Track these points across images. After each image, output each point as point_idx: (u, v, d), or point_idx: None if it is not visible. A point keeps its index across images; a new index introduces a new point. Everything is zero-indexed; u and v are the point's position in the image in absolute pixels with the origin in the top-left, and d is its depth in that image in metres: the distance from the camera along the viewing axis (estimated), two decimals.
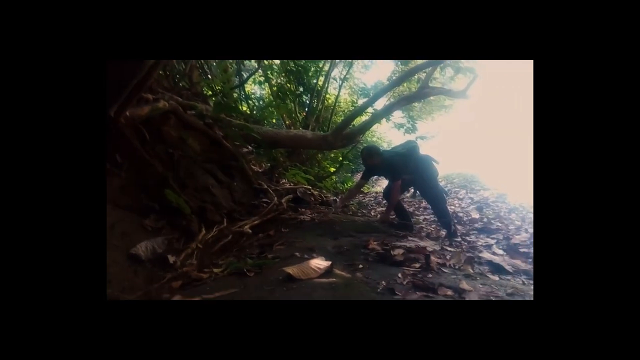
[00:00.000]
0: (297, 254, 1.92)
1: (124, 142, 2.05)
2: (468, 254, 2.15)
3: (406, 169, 2.89)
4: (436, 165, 3.08)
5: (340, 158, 6.48)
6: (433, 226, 3.55)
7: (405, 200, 6.33)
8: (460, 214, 4.43)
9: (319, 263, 1.59)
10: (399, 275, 1.59)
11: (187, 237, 1.97)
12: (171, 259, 1.69)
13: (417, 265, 1.77)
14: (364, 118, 6.28)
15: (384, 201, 3.95)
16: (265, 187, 3.07)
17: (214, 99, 4.18)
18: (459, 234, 2.97)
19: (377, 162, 2.91)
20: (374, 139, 9.67)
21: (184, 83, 3.72)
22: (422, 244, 2.38)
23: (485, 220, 3.84)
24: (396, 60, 7.11)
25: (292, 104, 6.31)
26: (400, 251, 1.96)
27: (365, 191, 6.90)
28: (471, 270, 1.82)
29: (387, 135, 10.29)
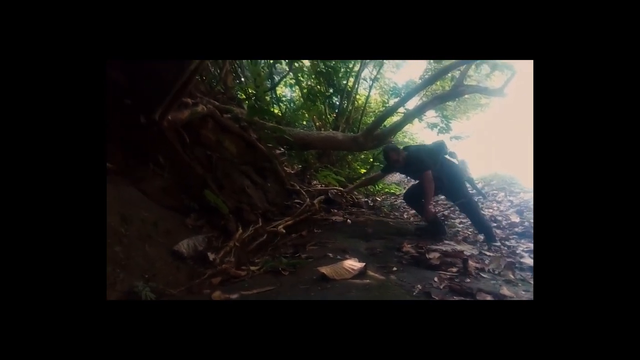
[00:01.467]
0: (329, 254, 1.94)
1: (166, 145, 2.17)
2: (508, 259, 2.05)
3: (433, 162, 2.74)
4: (467, 166, 2.99)
5: (371, 159, 6.42)
6: (470, 230, 3.42)
7: (439, 202, 6.15)
8: (499, 218, 4.24)
9: (353, 264, 1.60)
10: (435, 279, 1.56)
11: (225, 235, 2.04)
12: (211, 256, 1.77)
13: (454, 269, 1.72)
14: (395, 118, 6.19)
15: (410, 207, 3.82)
16: (298, 188, 3.11)
17: (247, 102, 4.31)
18: (497, 239, 2.81)
19: (399, 158, 2.83)
20: (406, 139, 9.47)
21: (219, 87, 3.87)
22: (458, 247, 2.31)
23: (526, 224, 3.64)
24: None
25: (323, 106, 6.35)
26: (437, 255, 1.91)
27: (397, 193, 6.79)
28: (512, 276, 1.74)
29: (420, 135, 10.03)
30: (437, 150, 2.84)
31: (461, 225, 3.66)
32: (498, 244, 2.67)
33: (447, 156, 2.95)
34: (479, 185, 7.43)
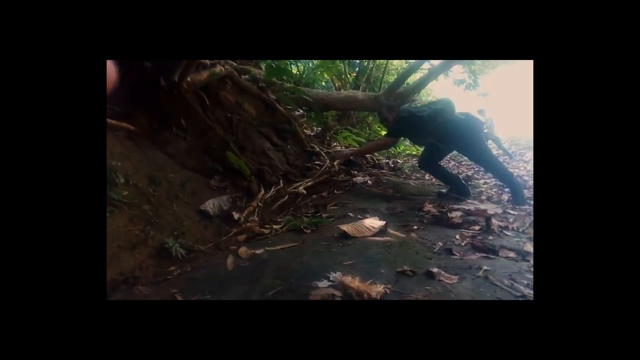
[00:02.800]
0: (350, 214, 1.96)
1: (187, 108, 2.19)
2: (533, 218, 2.01)
3: (421, 132, 2.56)
4: (490, 122, 2.81)
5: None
6: (494, 190, 3.34)
7: (463, 162, 5.99)
8: (526, 178, 4.10)
9: (373, 222, 1.62)
10: (457, 236, 1.56)
11: (248, 196, 2.10)
12: (235, 215, 1.84)
13: (477, 227, 1.71)
14: (418, 75, 5.89)
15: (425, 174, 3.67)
16: (318, 150, 3.10)
17: (264, 62, 4.20)
18: (527, 200, 2.59)
19: (389, 117, 2.67)
20: (430, 97, 9.07)
21: None
22: (482, 207, 2.28)
23: None
24: None
25: (342, 64, 6.12)
26: (459, 213, 1.90)
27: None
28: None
29: (446, 93, 9.57)
30: (432, 117, 2.56)
31: (485, 186, 3.58)
32: (526, 206, 2.57)
33: (476, 113, 2.81)
34: (506, 145, 7.15)
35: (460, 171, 4.99)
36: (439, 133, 2.52)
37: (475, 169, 5.08)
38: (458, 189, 2.61)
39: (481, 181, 3.99)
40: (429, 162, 2.75)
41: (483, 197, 2.80)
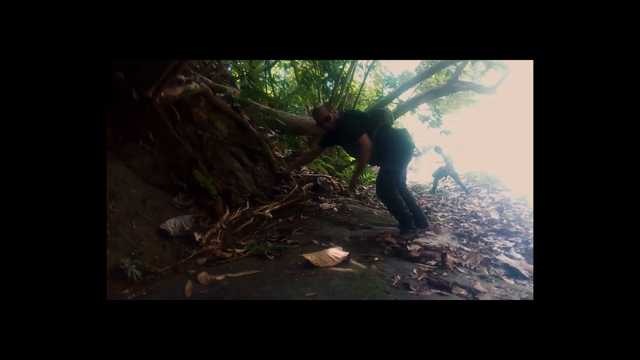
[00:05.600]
0: (315, 241, 1.99)
1: (156, 121, 2.14)
2: (485, 256, 2.15)
3: (366, 129, 2.31)
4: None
5: None
6: (451, 224, 3.53)
7: (424, 195, 6.28)
8: (480, 214, 4.38)
9: (337, 252, 1.65)
10: (414, 271, 1.63)
11: (212, 217, 2.06)
12: (197, 236, 1.79)
13: (433, 262, 1.80)
14: (389, 108, 6.20)
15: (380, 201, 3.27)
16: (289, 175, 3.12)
17: (240, 81, 4.23)
18: (416, 230, 2.45)
19: (330, 115, 2.45)
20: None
21: (212, 64, 3.78)
22: (438, 239, 2.40)
23: (505, 221, 3.78)
24: None
25: (317, 90, 6.29)
26: (417, 247, 1.99)
27: None
28: (487, 272, 1.83)
29: (411, 128, 10.11)
30: (372, 118, 2.43)
31: (442, 219, 3.77)
32: (416, 236, 2.35)
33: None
34: (463, 181, 7.61)
35: (420, 202, 5.21)
36: (379, 137, 2.33)
37: (434, 202, 5.34)
38: (405, 222, 2.39)
39: (439, 214, 4.20)
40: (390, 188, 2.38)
41: (442, 231, 2.94)
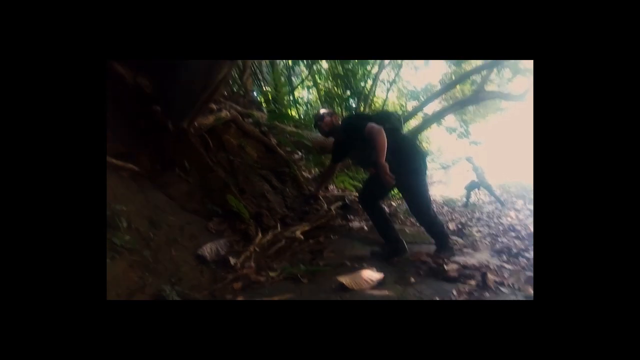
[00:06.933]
0: (347, 262, 1.96)
1: (191, 150, 2.25)
2: (528, 273, 2.02)
3: (368, 122, 2.03)
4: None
5: None
6: (488, 239, 3.37)
7: (457, 209, 6.06)
8: (518, 227, 4.15)
9: (371, 274, 1.62)
10: (454, 292, 1.56)
11: (246, 240, 2.10)
12: (232, 260, 1.82)
13: (473, 282, 1.72)
14: (413, 122, 6.15)
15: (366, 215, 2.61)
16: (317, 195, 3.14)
17: (266, 106, 4.37)
18: (454, 249, 2.27)
19: (332, 120, 2.29)
20: (424, 143, 9.38)
21: (240, 91, 3.95)
22: (477, 257, 2.29)
23: None
24: (448, 61, 6.85)
25: (340, 108, 6.37)
26: (455, 266, 1.91)
27: None
28: (532, 292, 1.72)
29: (438, 139, 9.94)
30: (378, 118, 2.17)
31: (478, 234, 3.61)
32: (454, 256, 2.18)
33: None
34: (497, 192, 7.30)
35: (454, 217, 5.04)
36: (388, 141, 1.96)
37: (468, 216, 5.14)
38: (390, 245, 2.16)
39: (474, 229, 4.02)
40: (374, 197, 2.22)
41: (479, 248, 2.82)
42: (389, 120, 2.18)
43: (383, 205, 2.25)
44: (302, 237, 2.34)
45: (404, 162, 2.06)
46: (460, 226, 3.83)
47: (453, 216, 5.25)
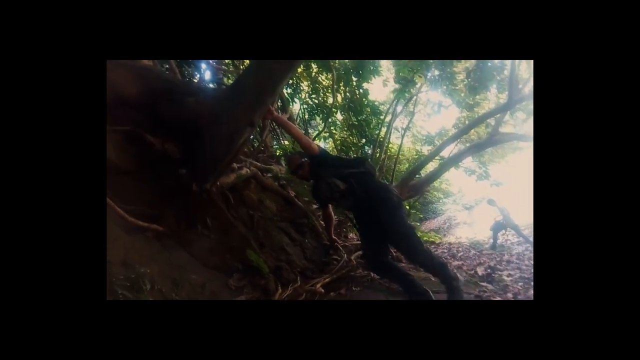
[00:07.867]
0: None
1: (213, 207, 2.35)
2: None
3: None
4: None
5: (408, 207, 6.34)
6: (520, 283, 3.17)
7: (484, 252, 5.79)
8: None
9: None
10: None
11: (265, 296, 2.09)
12: None
13: None
14: (430, 165, 6.17)
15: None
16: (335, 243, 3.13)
17: (284, 159, 4.55)
18: (462, 290, 1.88)
19: (299, 168, 2.31)
20: (443, 185, 9.29)
21: (260, 147, 4.16)
22: None
23: None
24: (460, 107, 7.02)
25: (355, 155, 6.52)
26: None
27: (437, 242, 6.52)
28: None
29: (457, 181, 9.82)
30: (358, 160, 2.29)
31: (509, 279, 3.41)
32: (460, 296, 1.78)
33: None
34: (526, 232, 6.96)
35: (482, 260, 4.80)
36: (362, 184, 2.06)
37: (497, 259, 4.88)
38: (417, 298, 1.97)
39: (505, 273, 3.80)
40: (373, 259, 2.16)
41: (509, 294, 2.65)
42: (364, 165, 2.25)
43: (393, 261, 2.25)
44: (322, 290, 2.30)
45: (379, 199, 2.06)
46: (489, 270, 3.64)
47: (481, 260, 5.00)
